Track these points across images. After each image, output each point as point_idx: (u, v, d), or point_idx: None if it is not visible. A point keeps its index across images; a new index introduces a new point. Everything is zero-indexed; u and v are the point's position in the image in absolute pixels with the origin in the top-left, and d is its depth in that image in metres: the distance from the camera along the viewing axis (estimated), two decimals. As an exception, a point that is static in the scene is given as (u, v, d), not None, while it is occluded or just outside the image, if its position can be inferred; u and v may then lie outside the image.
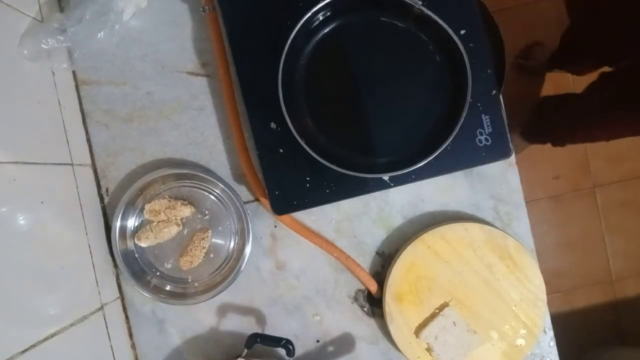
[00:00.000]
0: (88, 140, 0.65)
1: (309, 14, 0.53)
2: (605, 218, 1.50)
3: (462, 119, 0.54)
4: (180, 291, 0.64)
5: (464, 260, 0.62)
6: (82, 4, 0.57)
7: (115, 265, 0.64)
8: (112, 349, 0.60)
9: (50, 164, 0.56)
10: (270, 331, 0.65)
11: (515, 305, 0.62)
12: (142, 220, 0.64)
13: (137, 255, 0.64)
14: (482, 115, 0.58)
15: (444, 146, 0.54)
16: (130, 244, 0.64)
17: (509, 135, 0.59)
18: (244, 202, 0.63)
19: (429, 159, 0.54)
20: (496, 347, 0.62)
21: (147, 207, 0.62)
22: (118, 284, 0.65)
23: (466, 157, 0.59)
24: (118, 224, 0.62)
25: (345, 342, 0.65)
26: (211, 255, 0.64)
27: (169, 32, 0.64)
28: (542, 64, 1.35)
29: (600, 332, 1.53)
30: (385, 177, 0.58)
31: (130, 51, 0.64)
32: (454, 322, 0.61)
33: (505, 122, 0.59)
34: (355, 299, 0.65)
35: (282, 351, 0.60)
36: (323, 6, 0.54)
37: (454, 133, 0.54)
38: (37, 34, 0.54)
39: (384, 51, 0.58)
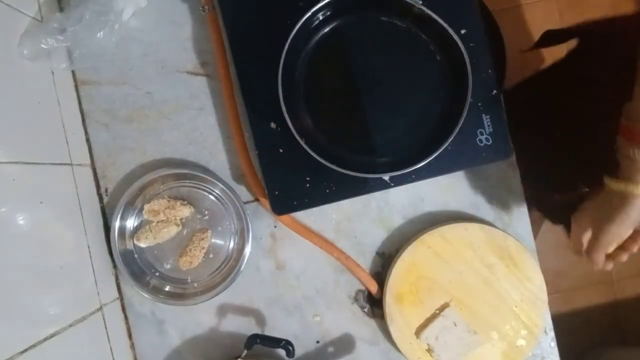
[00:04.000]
0: (87, 140, 0.65)
1: (309, 14, 0.53)
2: (606, 218, 1.50)
3: (463, 119, 0.54)
4: (179, 291, 0.64)
5: (464, 260, 0.62)
6: (82, 4, 0.57)
7: (115, 266, 0.64)
8: (111, 349, 0.60)
9: (49, 164, 0.56)
10: (270, 332, 0.65)
11: (515, 306, 0.62)
12: (141, 221, 0.64)
13: (136, 256, 0.64)
14: (483, 115, 0.58)
15: (444, 146, 0.54)
16: (129, 244, 0.63)
17: (509, 135, 0.59)
18: (244, 202, 0.63)
19: (429, 159, 0.54)
20: (497, 348, 0.62)
21: (146, 207, 0.62)
22: (117, 284, 0.65)
23: (466, 157, 0.59)
24: (117, 224, 0.62)
25: (346, 343, 0.65)
26: (211, 256, 0.64)
27: (169, 32, 0.64)
28: None
29: (600, 332, 1.53)
30: (386, 177, 0.58)
31: (130, 51, 0.64)
32: (454, 323, 0.61)
33: (506, 122, 0.59)
34: (356, 300, 0.65)
35: (282, 352, 0.60)
36: (323, 6, 0.54)
37: (454, 133, 0.54)
38: (37, 34, 0.54)
39: (384, 51, 0.58)
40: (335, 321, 0.65)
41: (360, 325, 0.65)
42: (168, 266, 0.64)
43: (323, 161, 0.54)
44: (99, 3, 0.57)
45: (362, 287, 0.65)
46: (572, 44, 0.78)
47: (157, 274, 0.64)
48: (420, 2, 0.54)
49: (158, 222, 0.62)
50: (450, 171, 0.60)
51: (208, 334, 0.65)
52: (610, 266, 0.53)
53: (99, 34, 0.57)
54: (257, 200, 0.64)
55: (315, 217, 0.64)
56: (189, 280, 0.64)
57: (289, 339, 0.59)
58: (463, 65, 0.54)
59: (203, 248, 0.62)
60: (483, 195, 0.65)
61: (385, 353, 0.65)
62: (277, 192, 0.59)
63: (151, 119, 0.64)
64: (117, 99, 0.64)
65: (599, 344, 1.48)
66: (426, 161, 0.54)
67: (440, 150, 0.54)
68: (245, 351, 0.59)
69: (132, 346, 0.65)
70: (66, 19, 0.56)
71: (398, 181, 0.58)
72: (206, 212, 0.63)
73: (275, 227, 0.65)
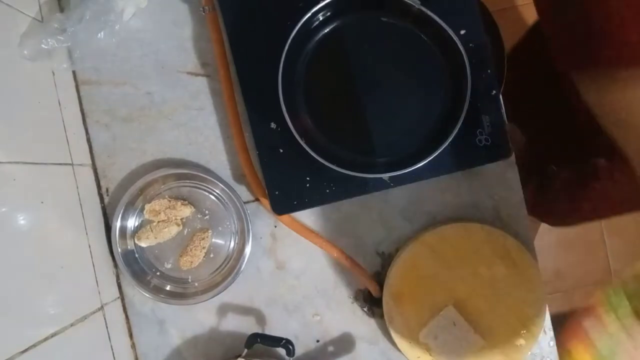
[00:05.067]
0: (88, 140, 0.65)
1: (309, 14, 0.53)
2: (605, 218, 1.50)
3: (462, 119, 0.54)
4: (180, 291, 0.64)
5: (463, 260, 0.62)
6: (82, 4, 0.57)
7: (115, 265, 0.64)
8: (112, 349, 0.60)
9: (50, 164, 0.56)
10: (270, 331, 0.65)
11: (515, 305, 0.62)
12: (142, 220, 0.64)
13: (137, 255, 0.64)
14: (482, 115, 0.58)
15: (443, 146, 0.54)
16: (130, 244, 0.64)
17: (508, 135, 0.59)
18: (244, 202, 0.63)
19: (429, 159, 0.54)
20: (496, 347, 0.62)
21: (147, 207, 0.62)
22: (118, 284, 0.65)
23: (466, 157, 0.59)
24: (118, 224, 0.62)
25: (345, 342, 0.65)
26: (211, 255, 0.64)
27: (169, 32, 0.64)
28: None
29: (600, 332, 1.53)
30: (385, 177, 0.58)
31: (130, 51, 0.64)
32: (453, 322, 0.61)
33: (505, 122, 0.59)
34: (355, 299, 0.65)
35: (282, 351, 0.60)
36: (323, 6, 0.54)
37: (454, 133, 0.54)
38: (37, 34, 0.54)
39: (383, 51, 0.58)
40: (335, 320, 0.65)
41: (360, 325, 0.65)
42: (169, 266, 0.64)
43: (323, 161, 0.54)
44: (99, 3, 0.57)
45: (362, 287, 0.65)
46: None
47: (157, 273, 0.64)
48: (419, 2, 0.54)
49: (159, 222, 0.62)
50: (450, 171, 0.60)
51: (209, 333, 0.65)
52: None
53: (99, 35, 0.57)
54: (257, 200, 0.65)
55: (315, 217, 0.64)
56: (190, 280, 0.64)
57: (289, 338, 0.60)
58: (462, 65, 0.54)
59: (203, 248, 0.62)
60: (483, 195, 0.65)
61: (385, 352, 0.65)
62: (277, 192, 0.59)
63: (151, 119, 0.64)
64: (117, 99, 0.64)
65: (599, 344, 1.48)
66: (426, 161, 0.54)
67: (440, 151, 0.54)
68: (246, 350, 0.60)
69: (133, 345, 0.65)
70: (66, 19, 0.56)
71: (398, 181, 0.59)
72: (207, 212, 0.64)
73: (275, 227, 0.65)
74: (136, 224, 0.64)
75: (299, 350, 0.63)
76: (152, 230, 0.62)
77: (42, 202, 0.53)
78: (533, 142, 0.91)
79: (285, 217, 0.62)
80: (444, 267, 0.62)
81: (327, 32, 0.58)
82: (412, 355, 0.62)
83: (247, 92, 0.59)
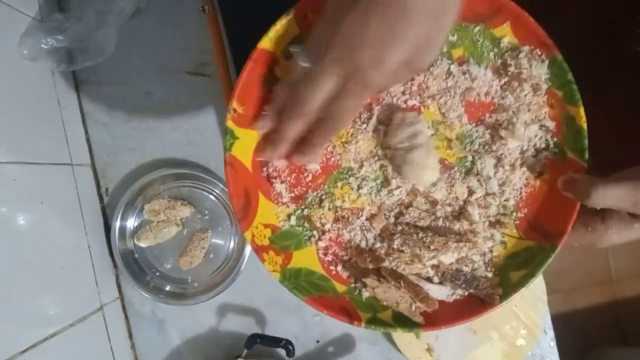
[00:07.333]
0: (88, 140, 0.65)
1: (309, 14, 0.53)
2: (605, 218, 1.50)
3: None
4: (180, 291, 0.64)
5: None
6: (82, 4, 0.57)
7: (115, 266, 0.64)
8: (111, 349, 0.60)
9: (50, 164, 0.56)
10: (270, 331, 0.65)
11: (515, 306, 0.62)
12: (141, 221, 0.64)
13: (136, 256, 0.64)
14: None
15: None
16: (129, 244, 0.63)
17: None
18: (244, 202, 0.63)
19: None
20: (496, 347, 0.62)
21: (146, 207, 0.62)
22: (118, 284, 0.65)
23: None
24: (118, 224, 0.62)
25: (345, 342, 0.65)
26: (211, 256, 0.64)
27: (169, 32, 0.64)
28: None
29: (600, 332, 1.53)
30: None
31: (130, 51, 0.64)
32: (454, 322, 0.61)
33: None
34: (355, 299, 0.65)
35: (282, 352, 0.60)
36: (323, 6, 0.54)
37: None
38: (37, 34, 0.54)
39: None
40: (335, 321, 0.65)
41: (360, 325, 0.65)
42: (168, 266, 0.64)
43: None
44: (99, 3, 0.57)
45: (362, 287, 0.65)
46: None
47: (157, 273, 0.64)
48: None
49: (158, 222, 0.62)
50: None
51: (208, 334, 0.65)
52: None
53: (99, 35, 0.57)
54: (257, 200, 0.64)
55: (315, 217, 0.64)
56: (189, 280, 0.64)
57: (289, 338, 0.60)
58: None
59: (203, 248, 0.62)
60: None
61: (385, 352, 0.65)
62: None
63: (151, 119, 0.64)
64: (117, 99, 0.64)
65: (599, 344, 1.48)
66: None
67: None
68: (246, 351, 0.60)
69: (133, 346, 0.65)
70: (66, 19, 0.56)
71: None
72: (206, 212, 0.63)
73: (275, 227, 0.65)
74: (136, 224, 0.64)
75: (299, 351, 0.63)
76: (151, 231, 0.62)
77: (41, 202, 0.53)
78: None
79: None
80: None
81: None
82: (412, 355, 0.62)
83: (247, 92, 0.59)
